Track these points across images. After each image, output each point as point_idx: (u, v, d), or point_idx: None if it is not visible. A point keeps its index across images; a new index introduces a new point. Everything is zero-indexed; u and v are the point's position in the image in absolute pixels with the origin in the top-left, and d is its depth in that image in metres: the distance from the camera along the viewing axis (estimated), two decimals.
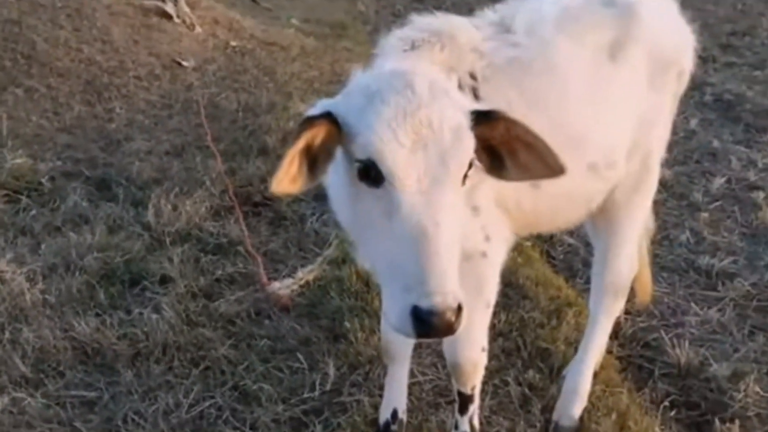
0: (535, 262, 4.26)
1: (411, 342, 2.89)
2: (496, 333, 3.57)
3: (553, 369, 3.37)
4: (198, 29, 7.96)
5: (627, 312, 4.07)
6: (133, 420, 3.06)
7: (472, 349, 2.57)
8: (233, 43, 7.97)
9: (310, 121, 1.87)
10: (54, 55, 6.73)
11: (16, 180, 4.91)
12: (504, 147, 1.97)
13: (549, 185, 2.37)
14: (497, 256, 2.44)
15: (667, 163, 5.72)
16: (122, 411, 3.10)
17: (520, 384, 3.28)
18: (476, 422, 2.76)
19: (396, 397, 2.93)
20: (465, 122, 1.86)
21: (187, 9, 7.97)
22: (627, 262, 2.99)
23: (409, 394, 3.10)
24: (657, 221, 4.99)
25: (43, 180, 5.00)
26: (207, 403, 3.17)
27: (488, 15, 2.51)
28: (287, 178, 1.83)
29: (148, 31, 7.52)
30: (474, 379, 2.64)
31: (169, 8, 7.78)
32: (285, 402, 3.14)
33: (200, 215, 4.57)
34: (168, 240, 4.29)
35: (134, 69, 6.99)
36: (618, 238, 2.93)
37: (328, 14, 11.27)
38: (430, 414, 3.08)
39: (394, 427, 2.92)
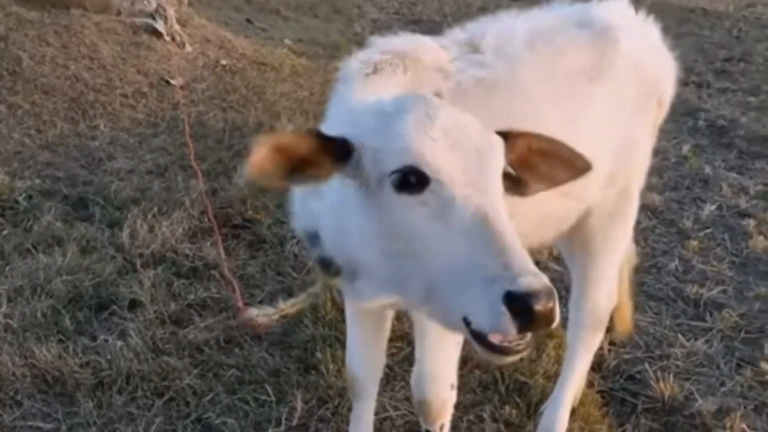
0: None
1: (377, 378, 2.76)
2: (473, 365, 3.45)
3: (531, 404, 3.24)
4: (188, 47, 7.90)
5: (611, 343, 3.96)
6: None
7: (440, 386, 2.45)
8: (223, 62, 7.90)
9: (321, 135, 1.78)
10: (40, 71, 6.66)
11: None
12: (522, 164, 1.88)
13: (521, 211, 2.27)
14: None
15: (657, 189, 5.67)
16: None
17: (495, 420, 3.16)
18: None
19: None
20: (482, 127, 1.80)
21: (177, 27, 7.90)
22: (605, 293, 2.88)
23: (380, 429, 2.98)
24: (645, 248, 4.92)
25: (19, 198, 4.90)
26: None
27: (457, 34, 2.42)
28: (257, 164, 1.69)
29: (137, 48, 7.45)
30: (442, 418, 2.53)
31: (159, 26, 7.71)
32: None
33: (176, 237, 4.46)
34: (141, 263, 4.18)
35: (121, 87, 6.91)
36: (595, 267, 2.82)
37: (324, 35, 11.24)
38: None
39: None
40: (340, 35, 11.56)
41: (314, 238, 2.05)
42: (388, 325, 2.62)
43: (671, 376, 3.65)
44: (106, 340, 3.50)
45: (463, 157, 1.70)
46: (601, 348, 3.86)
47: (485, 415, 3.16)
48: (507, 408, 3.21)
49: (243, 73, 7.77)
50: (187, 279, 4.13)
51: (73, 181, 5.33)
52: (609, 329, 4.07)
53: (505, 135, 1.85)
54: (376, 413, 2.91)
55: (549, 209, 2.38)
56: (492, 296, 1.50)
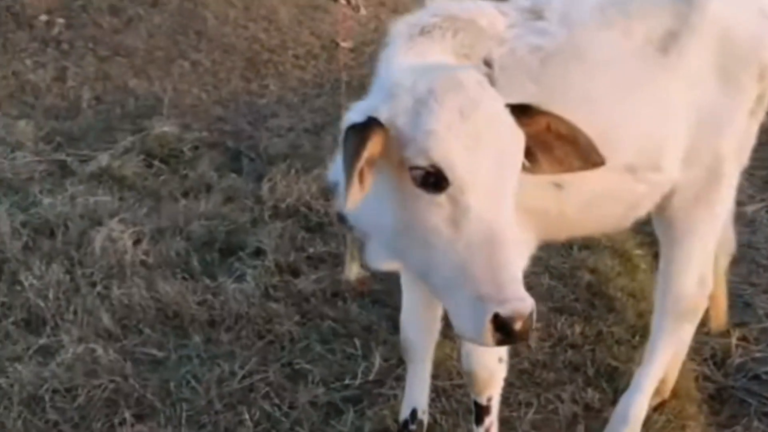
0: (639, 272, 3.92)
1: (431, 343, 2.78)
2: (566, 344, 3.36)
3: (618, 390, 3.09)
4: (362, 11, 8.07)
5: (742, 338, 3.66)
6: (188, 383, 3.23)
7: (486, 358, 2.44)
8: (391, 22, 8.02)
9: (361, 130, 1.78)
10: (222, 31, 7.17)
11: (161, 147, 5.29)
12: (537, 141, 1.86)
13: (575, 186, 2.19)
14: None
15: None
16: (182, 374, 3.28)
17: (575, 402, 3.07)
18: None
19: (416, 397, 2.84)
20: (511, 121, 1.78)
21: None
22: (692, 280, 2.66)
23: (449, 396, 3.00)
24: None
25: (185, 149, 5.36)
26: (259, 377, 3.27)
27: (520, 0, 2.32)
28: (360, 194, 1.77)
29: (313, 11, 7.77)
30: (490, 390, 2.51)
31: None
32: (327, 386, 3.16)
33: (312, 193, 4.67)
34: (274, 214, 4.44)
35: (294, 48, 7.26)
36: (681, 252, 2.62)
37: None
38: (464, 419, 2.96)
39: (412, 427, 2.83)
40: None
41: (336, 187, 2.10)
42: None
43: None
44: (224, 283, 3.79)
45: (486, 162, 1.71)
46: (729, 343, 3.61)
47: (565, 396, 3.08)
48: (590, 391, 3.10)
49: None
50: (313, 233, 4.33)
51: (238, 135, 5.73)
52: (741, 325, 3.80)
53: (529, 109, 1.81)
54: (435, 378, 2.93)
55: (606, 188, 2.25)
56: (480, 312, 1.63)
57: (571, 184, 2.21)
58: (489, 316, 1.62)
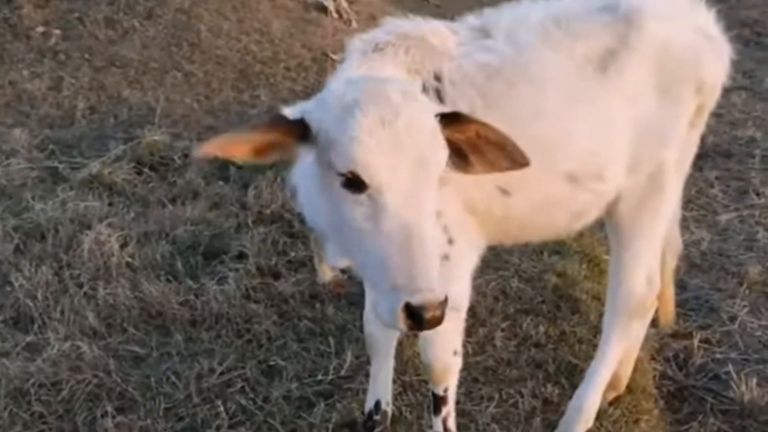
0: (605, 276, 4.05)
1: (393, 337, 2.94)
2: (530, 343, 3.51)
3: (576, 386, 3.23)
4: (354, 24, 8.29)
5: (704, 341, 3.81)
6: (168, 379, 3.37)
7: (443, 351, 2.58)
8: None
9: (280, 121, 1.96)
10: (215, 43, 7.35)
11: (151, 154, 5.45)
12: (469, 145, 2.03)
13: (521, 193, 2.35)
14: (462, 260, 2.44)
15: None
16: (162, 370, 3.43)
17: (535, 396, 3.21)
18: (451, 425, 2.75)
19: (380, 390, 2.99)
20: (437, 125, 1.92)
21: (345, 4, 8.33)
22: (640, 280, 2.82)
23: (415, 390, 3.16)
24: None
25: (175, 156, 5.53)
26: (236, 373, 3.41)
27: (470, 20, 2.49)
28: (220, 149, 1.93)
29: (305, 24, 7.96)
30: (446, 381, 2.65)
31: (328, 3, 8.18)
32: (300, 381, 3.31)
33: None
34: (257, 219, 4.61)
35: (285, 60, 7.44)
36: (628, 254, 2.78)
37: None
38: (428, 412, 3.10)
39: (376, 417, 2.98)
40: None
41: (294, 193, 2.28)
42: None
43: (755, 379, 3.46)
44: (206, 285, 3.94)
45: (405, 166, 1.85)
46: (691, 344, 3.76)
47: (525, 391, 3.22)
48: (549, 386, 3.25)
49: None
50: (295, 238, 4.48)
51: None
52: (704, 327, 3.95)
53: (459, 117, 1.97)
54: (402, 373, 3.08)
55: (550, 196, 2.41)
56: (393, 301, 1.80)
57: (517, 191, 2.37)
58: (401, 305, 1.77)
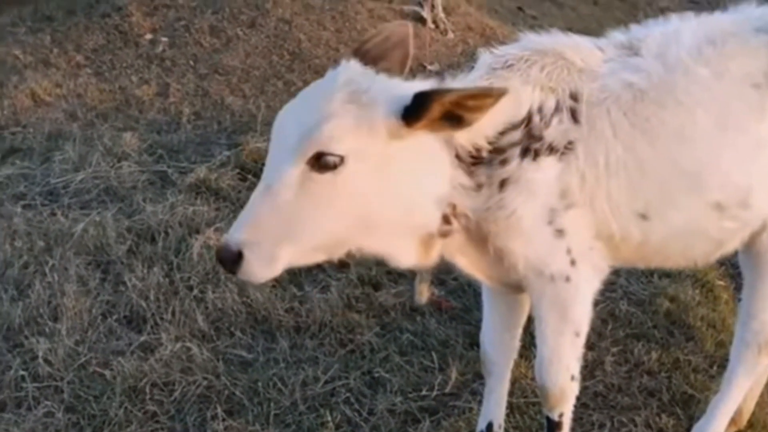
0: (720, 303, 3.91)
1: (510, 358, 2.88)
2: (642, 370, 3.40)
3: (692, 418, 3.12)
4: (450, 35, 8.28)
5: None
6: (274, 385, 3.41)
7: (559, 375, 2.52)
8: (482, 50, 8.15)
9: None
10: (314, 53, 7.46)
11: (254, 162, 5.57)
12: (455, 107, 2.06)
13: (661, 219, 2.28)
14: (585, 283, 2.38)
15: None
16: (269, 375, 3.47)
17: (649, 426, 3.11)
18: None
19: (492, 411, 2.94)
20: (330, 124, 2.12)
21: (442, 15, 8.32)
22: None
23: (523, 413, 3.10)
24: None
25: None
26: (341, 382, 3.43)
27: (617, 36, 2.43)
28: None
29: None
30: (561, 407, 2.59)
31: (425, 13, 8.18)
32: (404, 395, 3.30)
33: None
34: None
35: None
36: (765, 286, 2.64)
37: (598, 25, 10.93)
38: None
39: None
40: (617, 25, 11.18)
41: None
42: (525, 308, 2.72)
43: None
44: (309, 292, 3.98)
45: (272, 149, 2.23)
46: None
47: (638, 420, 3.12)
48: (664, 417, 3.14)
49: None
50: None
51: None
52: None
53: (428, 94, 2.06)
54: (509, 395, 3.02)
55: (692, 223, 2.33)
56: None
57: (656, 216, 2.29)
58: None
